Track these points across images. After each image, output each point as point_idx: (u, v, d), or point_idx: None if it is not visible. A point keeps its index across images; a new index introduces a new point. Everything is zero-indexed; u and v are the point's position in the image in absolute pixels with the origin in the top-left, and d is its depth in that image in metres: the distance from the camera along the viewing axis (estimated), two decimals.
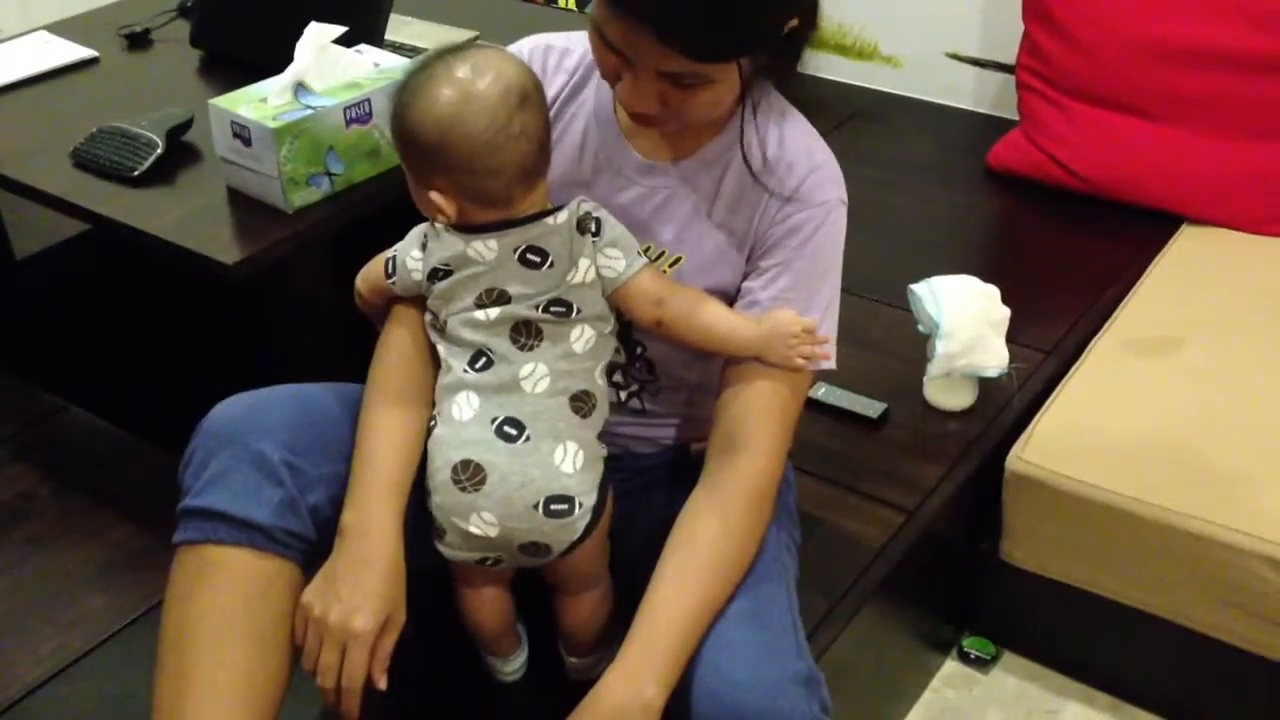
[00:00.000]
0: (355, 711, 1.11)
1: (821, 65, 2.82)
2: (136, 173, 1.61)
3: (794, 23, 1.07)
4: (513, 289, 1.12)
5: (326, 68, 1.55)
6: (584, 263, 1.13)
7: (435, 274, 1.14)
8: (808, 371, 1.19)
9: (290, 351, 1.58)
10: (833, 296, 1.21)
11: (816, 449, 1.68)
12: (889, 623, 1.61)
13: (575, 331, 1.14)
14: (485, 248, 1.11)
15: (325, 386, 1.24)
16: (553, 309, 1.12)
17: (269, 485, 1.12)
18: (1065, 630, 1.75)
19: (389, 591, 1.11)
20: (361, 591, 1.09)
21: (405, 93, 1.10)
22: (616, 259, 1.14)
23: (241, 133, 1.51)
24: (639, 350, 1.25)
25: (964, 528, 1.73)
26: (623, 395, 1.27)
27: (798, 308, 1.18)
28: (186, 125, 1.68)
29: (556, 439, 1.12)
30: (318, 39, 1.55)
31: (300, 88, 1.53)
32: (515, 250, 1.12)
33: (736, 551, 1.14)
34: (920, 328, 1.73)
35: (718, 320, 1.17)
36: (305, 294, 1.57)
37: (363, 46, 1.68)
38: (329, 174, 1.54)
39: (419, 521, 1.15)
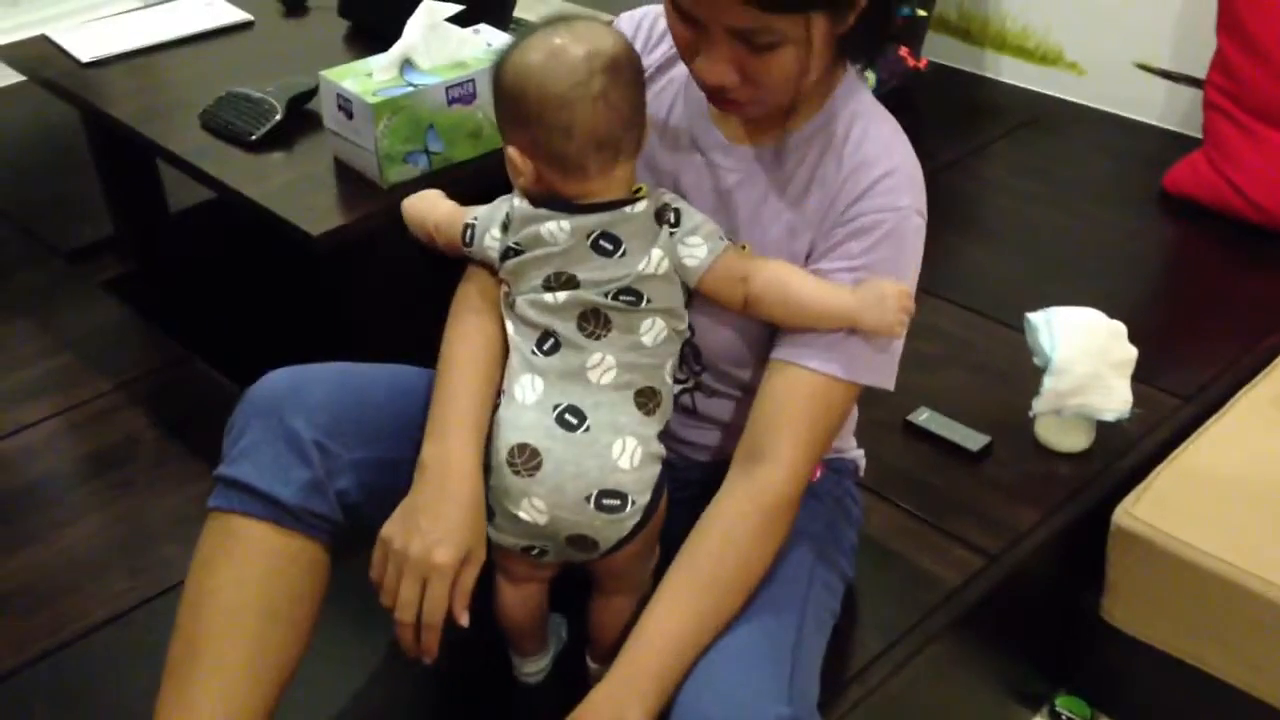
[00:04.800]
0: (435, 648, 1.09)
1: (1001, 67, 2.67)
2: (253, 137, 1.65)
3: None
4: (582, 274, 1.10)
5: (436, 45, 1.55)
6: (656, 253, 1.10)
7: (508, 253, 1.13)
8: (853, 385, 1.13)
9: (371, 327, 1.59)
10: None
11: (907, 478, 1.59)
12: (961, 670, 1.51)
13: (645, 323, 1.11)
14: (558, 229, 1.10)
15: (379, 368, 1.24)
16: (622, 297, 1.10)
17: (297, 464, 1.12)
18: (1166, 702, 1.61)
19: (470, 526, 1.09)
20: (443, 524, 1.07)
21: (504, 51, 1.11)
22: (698, 246, 1.11)
23: (345, 105, 1.52)
24: (687, 334, 1.20)
25: (1062, 579, 1.61)
26: (676, 389, 1.23)
27: None
28: (310, 94, 1.72)
29: (617, 433, 1.10)
30: (429, 16, 1.55)
31: (407, 64, 1.54)
32: (589, 235, 1.10)
33: (739, 570, 1.09)
34: (1035, 360, 1.61)
35: (807, 288, 1.11)
36: (392, 270, 1.58)
37: (481, 26, 1.68)
38: (428, 152, 1.54)
39: None
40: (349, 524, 1.16)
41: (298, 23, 2.07)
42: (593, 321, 1.11)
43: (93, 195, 2.17)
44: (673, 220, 1.12)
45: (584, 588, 1.23)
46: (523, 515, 1.11)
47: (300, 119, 1.70)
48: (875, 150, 1.12)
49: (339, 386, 1.18)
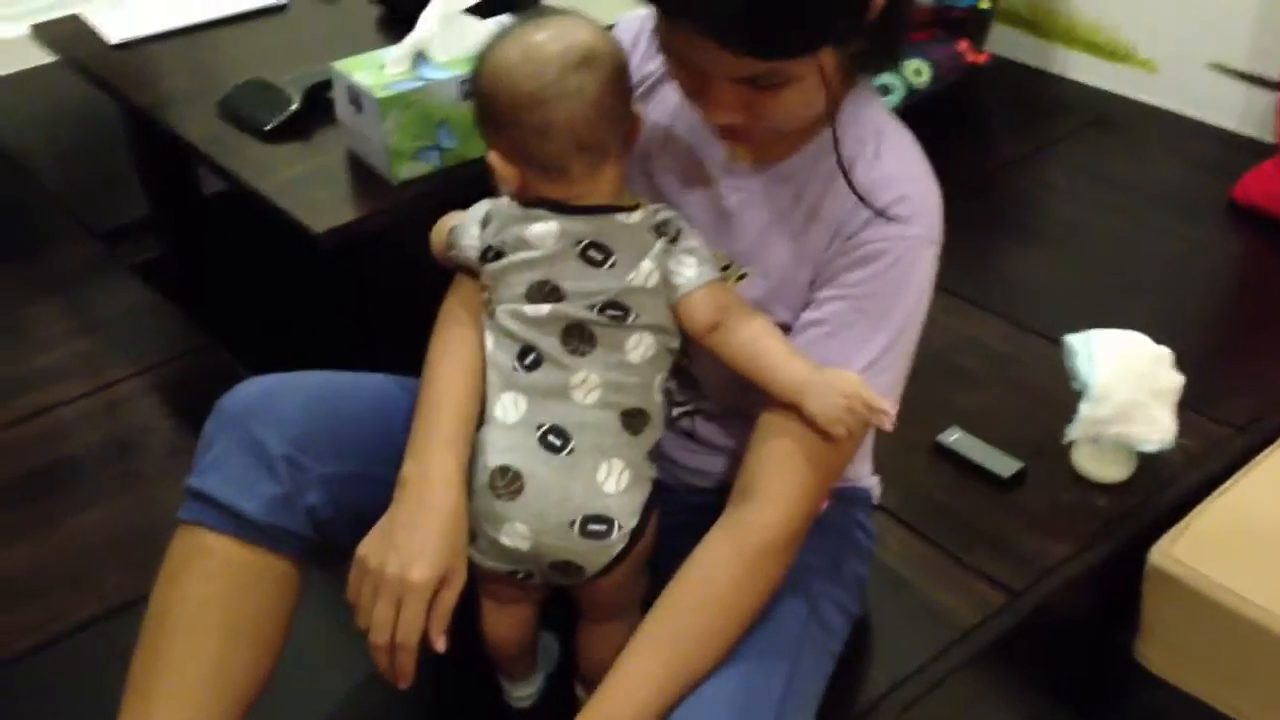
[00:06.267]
0: (410, 671, 1.05)
1: (1068, 63, 2.55)
2: (268, 127, 1.61)
3: (879, 1, 0.94)
4: (567, 285, 1.05)
5: (453, 38, 1.50)
6: (647, 265, 1.05)
7: (488, 253, 1.08)
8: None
9: (379, 324, 1.55)
10: (892, 348, 1.05)
11: (930, 504, 1.51)
12: (978, 713, 1.43)
13: (632, 339, 1.06)
14: (545, 230, 1.04)
15: (361, 379, 1.20)
16: (608, 312, 1.04)
17: (265, 478, 1.08)
18: None
19: (450, 542, 1.04)
20: (420, 543, 1.02)
21: (481, 50, 1.06)
22: (689, 265, 1.05)
23: (355, 99, 1.48)
24: (684, 360, 1.14)
25: (1093, 618, 1.52)
26: (674, 411, 1.17)
27: (843, 347, 1.04)
28: (329, 84, 1.67)
29: (602, 455, 1.05)
30: (444, 7, 1.49)
31: (421, 57, 1.49)
32: (578, 243, 1.04)
33: (720, 618, 1.03)
34: (1073, 385, 1.52)
35: (770, 347, 1.04)
36: (401, 269, 1.53)
37: (505, 17, 1.62)
38: (440, 148, 1.49)
39: None
40: (320, 540, 1.11)
41: (331, 8, 2.03)
42: (577, 337, 1.05)
43: (131, 176, 2.16)
44: (672, 236, 1.06)
45: (576, 606, 1.19)
46: (505, 540, 1.06)
47: (319, 109, 1.66)
48: (887, 173, 1.04)
49: (313, 397, 1.14)
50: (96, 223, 2.19)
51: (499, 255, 1.07)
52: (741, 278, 1.10)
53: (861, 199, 1.03)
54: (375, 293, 1.58)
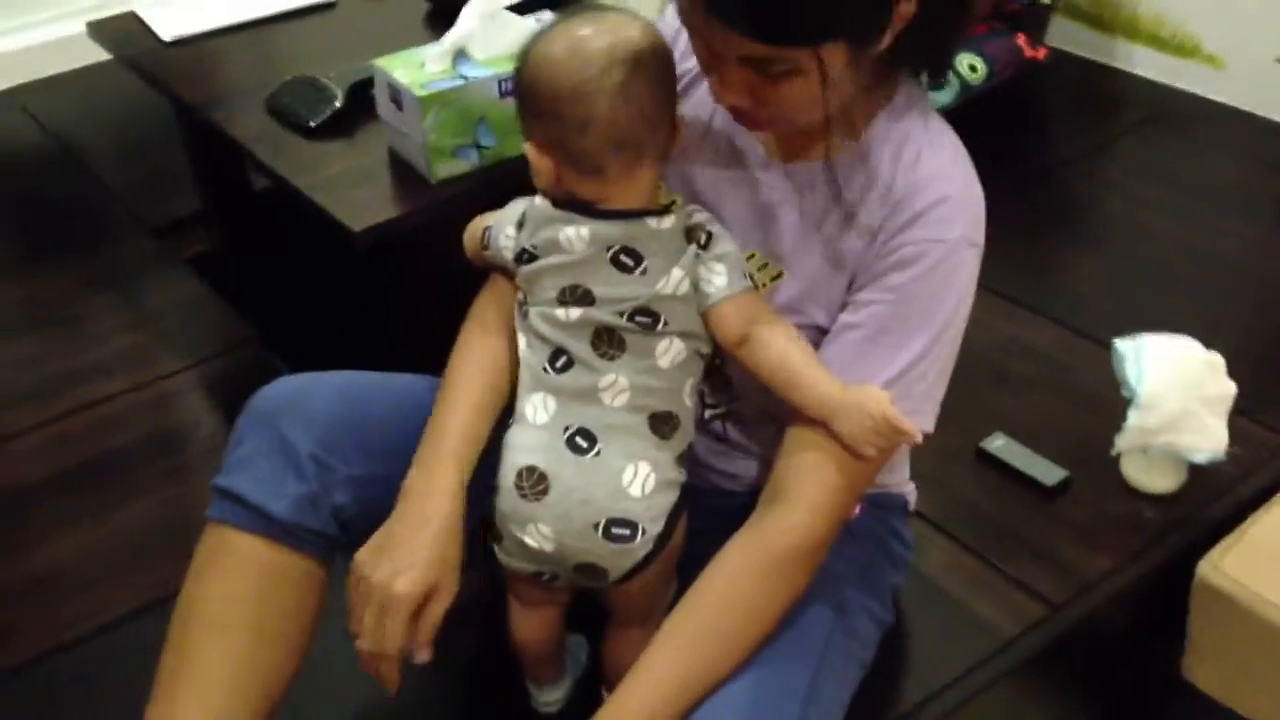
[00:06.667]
0: (393, 678, 1.06)
1: (1132, 57, 2.49)
2: (312, 124, 1.62)
3: (909, 6, 0.92)
4: (598, 290, 1.04)
5: (494, 35, 1.49)
6: (677, 273, 1.04)
7: (523, 256, 1.08)
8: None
9: (416, 324, 1.55)
10: (929, 354, 1.03)
11: (971, 512, 1.49)
12: None
13: (661, 345, 1.05)
14: (577, 236, 1.04)
15: (390, 379, 1.20)
16: (638, 318, 1.04)
17: (292, 478, 1.09)
18: None
19: (441, 555, 1.04)
20: (411, 555, 1.03)
21: (528, 41, 1.05)
22: (719, 274, 1.04)
23: (396, 96, 1.48)
24: (717, 362, 1.13)
25: (1139, 632, 1.48)
26: (706, 414, 1.16)
27: (880, 351, 1.02)
28: (372, 81, 1.67)
29: (629, 458, 1.04)
30: (484, 5, 1.49)
31: (461, 55, 1.48)
32: (609, 248, 1.04)
33: (744, 619, 1.02)
34: (1123, 392, 1.48)
35: (800, 365, 1.03)
36: (440, 267, 1.53)
37: (545, 14, 1.61)
38: (479, 146, 1.49)
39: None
40: (347, 540, 1.12)
41: (379, 4, 2.04)
42: (606, 341, 1.05)
43: (185, 171, 2.18)
44: (703, 241, 1.05)
45: (604, 609, 1.18)
46: (529, 541, 1.06)
47: (363, 106, 1.66)
48: (927, 174, 1.02)
49: (342, 398, 1.14)
50: (151, 217, 2.21)
51: (533, 258, 1.07)
52: (777, 276, 1.08)
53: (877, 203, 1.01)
54: (412, 291, 1.58)
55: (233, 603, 1.08)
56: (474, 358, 1.12)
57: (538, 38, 1.04)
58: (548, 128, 1.03)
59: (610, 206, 1.05)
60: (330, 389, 1.15)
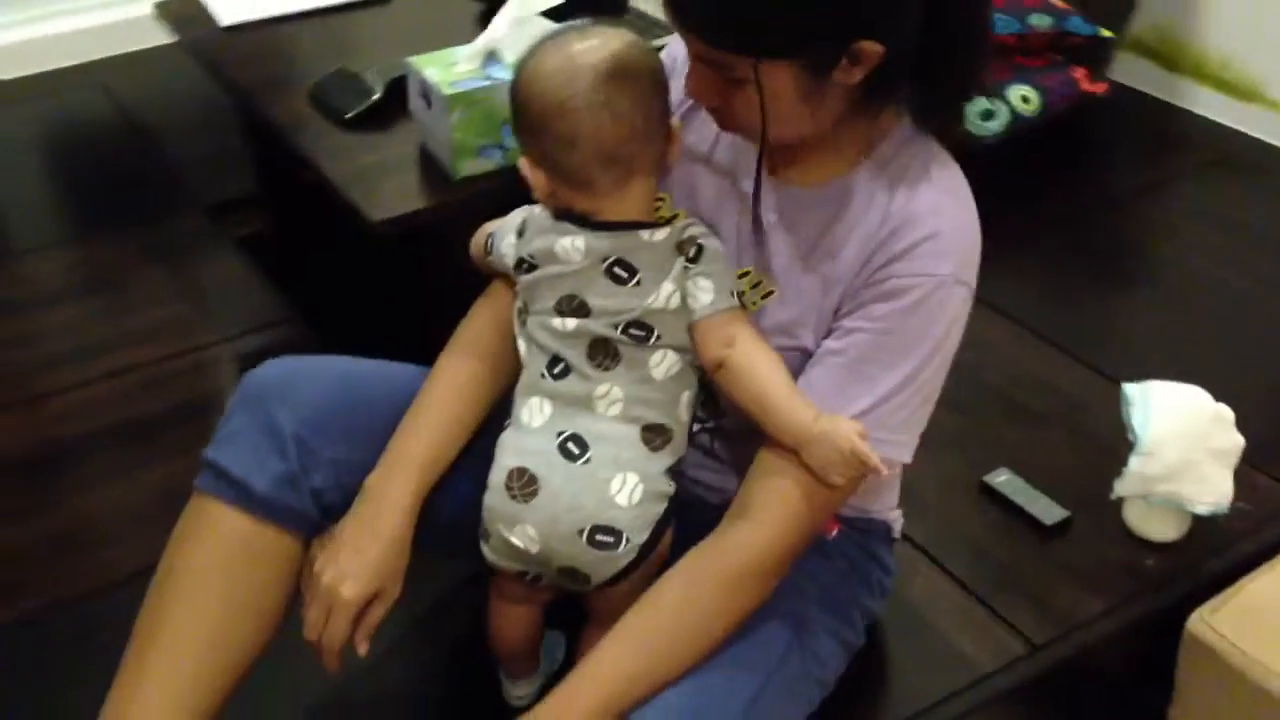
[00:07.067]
0: (334, 666, 1.12)
1: (1197, 98, 2.45)
2: (348, 115, 1.66)
3: (873, 46, 0.94)
4: (593, 301, 1.06)
5: (524, 40, 1.49)
6: (668, 287, 1.05)
7: (521, 264, 1.10)
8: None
9: (433, 318, 1.57)
10: (908, 386, 1.04)
11: (966, 545, 1.48)
12: None
13: (655, 357, 1.07)
14: (573, 247, 1.06)
15: (385, 368, 1.23)
16: (631, 331, 1.06)
17: (275, 457, 1.12)
18: None
19: (385, 568, 1.10)
20: (358, 561, 1.09)
21: (524, 54, 1.08)
22: (705, 291, 1.06)
23: (425, 93, 1.51)
24: (707, 378, 1.14)
25: (1126, 677, 1.46)
26: (695, 427, 1.17)
27: (858, 379, 1.03)
28: None
29: (618, 467, 1.06)
30: (518, 10, 1.51)
31: (491, 57, 1.51)
32: (604, 260, 1.05)
33: (695, 626, 1.04)
34: (1129, 436, 1.46)
35: (775, 389, 1.04)
36: (453, 264, 1.56)
37: (583, 21, 1.63)
38: (502, 147, 1.52)
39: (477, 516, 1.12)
40: (326, 521, 1.14)
41: (434, 1, 2.08)
42: (602, 352, 1.07)
43: (242, 152, 2.25)
44: (692, 255, 1.06)
45: (584, 609, 1.20)
46: (515, 541, 1.08)
47: (401, 101, 1.70)
48: (921, 209, 1.03)
49: (333, 383, 1.17)
50: (207, 195, 2.28)
51: (532, 267, 1.09)
52: (769, 295, 1.09)
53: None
54: (439, 283, 1.61)
55: (209, 572, 1.12)
56: (455, 373, 1.16)
57: (530, 52, 1.06)
58: (538, 143, 1.05)
59: (605, 219, 1.06)
60: (322, 373, 1.18)
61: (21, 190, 2.27)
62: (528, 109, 1.04)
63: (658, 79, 1.05)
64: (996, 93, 2.16)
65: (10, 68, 2.59)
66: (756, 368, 1.05)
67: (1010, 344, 1.78)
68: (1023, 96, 2.18)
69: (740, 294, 1.09)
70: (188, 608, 1.11)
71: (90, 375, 1.83)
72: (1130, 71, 2.50)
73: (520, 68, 1.06)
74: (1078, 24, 2.27)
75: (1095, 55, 2.34)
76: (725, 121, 1.05)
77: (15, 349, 1.89)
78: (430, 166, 1.56)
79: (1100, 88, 2.30)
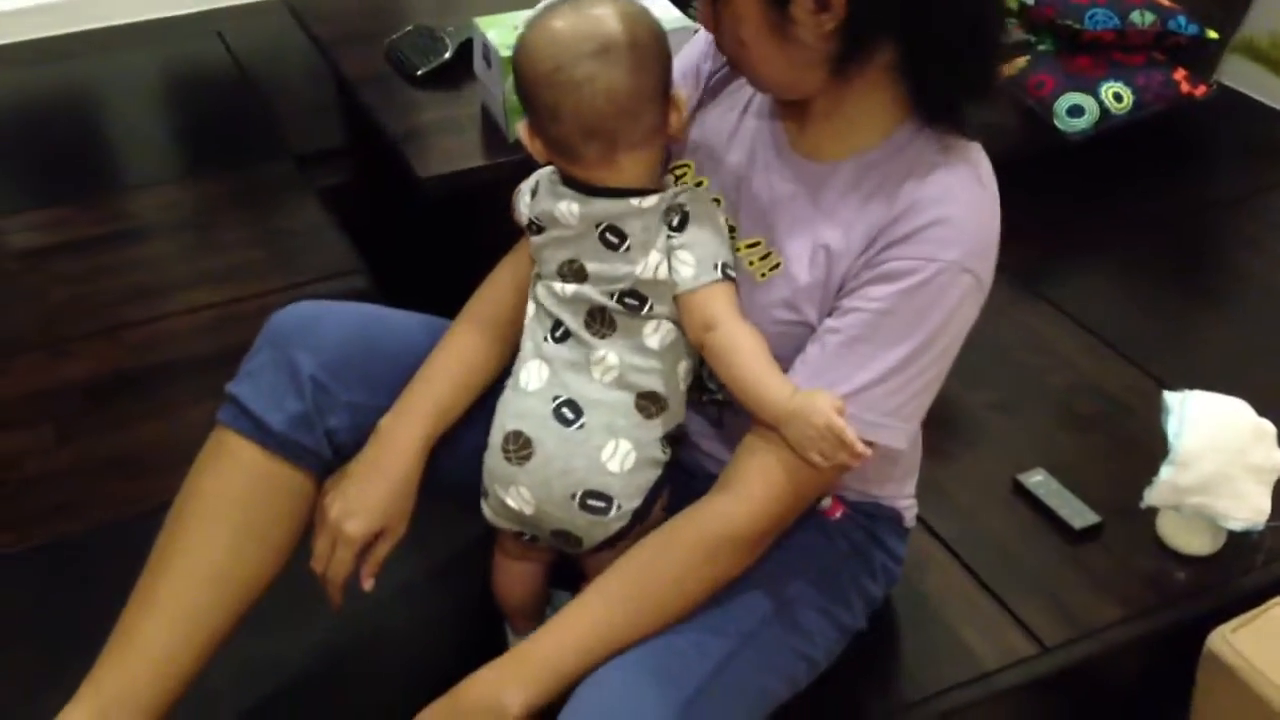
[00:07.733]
0: (337, 600, 1.16)
1: None
2: (419, 73, 1.69)
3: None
4: (590, 266, 1.08)
5: None
6: (655, 257, 1.06)
7: (531, 226, 1.13)
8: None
9: (480, 276, 1.60)
10: (904, 370, 1.03)
11: (991, 543, 1.45)
12: None
13: (649, 326, 1.08)
14: (569, 211, 1.08)
15: (408, 318, 1.25)
16: (626, 300, 1.07)
17: (291, 395, 1.16)
18: None
19: (391, 507, 1.13)
20: (365, 498, 1.13)
21: (529, 20, 1.09)
22: (686, 265, 1.06)
23: (486, 54, 1.54)
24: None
25: (1148, 688, 1.42)
26: (704, 398, 1.18)
27: (846, 364, 1.02)
28: None
29: (611, 434, 1.08)
30: None
31: None
32: (597, 225, 1.07)
33: (668, 589, 1.05)
34: (1167, 445, 1.42)
35: (753, 368, 1.05)
36: (506, 225, 1.59)
37: None
38: None
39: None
40: (339, 462, 1.18)
41: None
42: (599, 320, 1.09)
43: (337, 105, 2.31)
44: (675, 224, 1.06)
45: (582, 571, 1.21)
46: (510, 501, 1.11)
47: (471, 61, 1.73)
48: (933, 193, 1.01)
49: (355, 328, 1.21)
50: (300, 145, 2.34)
51: (540, 229, 1.11)
52: (776, 267, 1.09)
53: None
54: (486, 245, 1.64)
55: (224, 500, 1.16)
56: (472, 333, 1.19)
57: (532, 19, 1.06)
58: (530, 110, 1.07)
59: (601, 184, 1.07)
60: (345, 318, 1.21)
61: (135, 129, 2.37)
62: (520, 78, 1.06)
63: (653, 52, 1.05)
64: (1087, 88, 2.10)
65: (130, 12, 2.70)
66: (737, 346, 1.05)
67: (1074, 348, 1.74)
68: (1115, 94, 2.12)
69: (749, 264, 1.09)
70: (202, 532, 1.16)
71: (168, 310, 1.90)
72: (1240, 75, 2.40)
73: (521, 35, 1.07)
74: (1181, 23, 2.20)
75: (1198, 56, 2.26)
76: (737, 64, 1.06)
77: (106, 278, 1.98)
78: (489, 128, 1.59)
79: (1201, 90, 2.21)
